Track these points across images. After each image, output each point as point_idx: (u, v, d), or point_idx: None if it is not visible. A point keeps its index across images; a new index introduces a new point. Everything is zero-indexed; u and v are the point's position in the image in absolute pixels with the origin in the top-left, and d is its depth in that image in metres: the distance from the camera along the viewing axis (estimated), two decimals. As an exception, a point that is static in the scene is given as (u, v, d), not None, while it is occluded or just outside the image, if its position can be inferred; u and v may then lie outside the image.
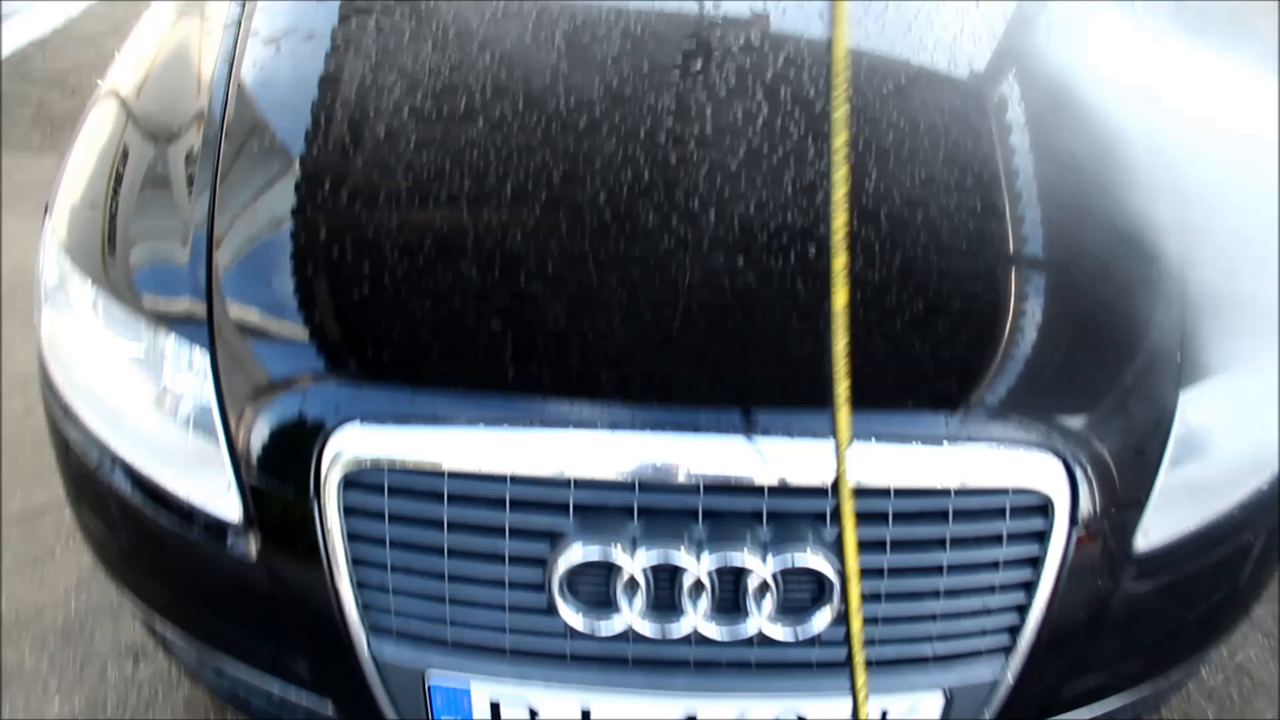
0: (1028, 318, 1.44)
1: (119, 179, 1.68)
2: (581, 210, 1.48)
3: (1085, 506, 1.34)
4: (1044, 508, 1.33)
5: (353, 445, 1.31)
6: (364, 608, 1.38)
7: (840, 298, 1.17)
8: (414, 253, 1.44)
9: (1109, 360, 1.44)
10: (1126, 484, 1.39)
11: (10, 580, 2.32)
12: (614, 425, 1.30)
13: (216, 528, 1.44)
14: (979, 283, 1.49)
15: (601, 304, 1.40)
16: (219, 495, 1.42)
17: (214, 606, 1.57)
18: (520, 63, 1.72)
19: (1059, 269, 1.54)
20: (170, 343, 1.46)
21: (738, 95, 1.64)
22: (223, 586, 1.50)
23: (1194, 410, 1.43)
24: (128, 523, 1.55)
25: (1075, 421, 1.37)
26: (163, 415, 1.47)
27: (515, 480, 1.30)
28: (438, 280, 1.42)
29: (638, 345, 1.38)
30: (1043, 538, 1.34)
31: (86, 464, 1.55)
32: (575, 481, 1.29)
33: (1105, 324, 1.48)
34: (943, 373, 1.39)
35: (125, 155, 1.72)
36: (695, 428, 1.30)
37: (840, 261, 1.17)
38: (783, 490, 1.30)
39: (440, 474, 1.30)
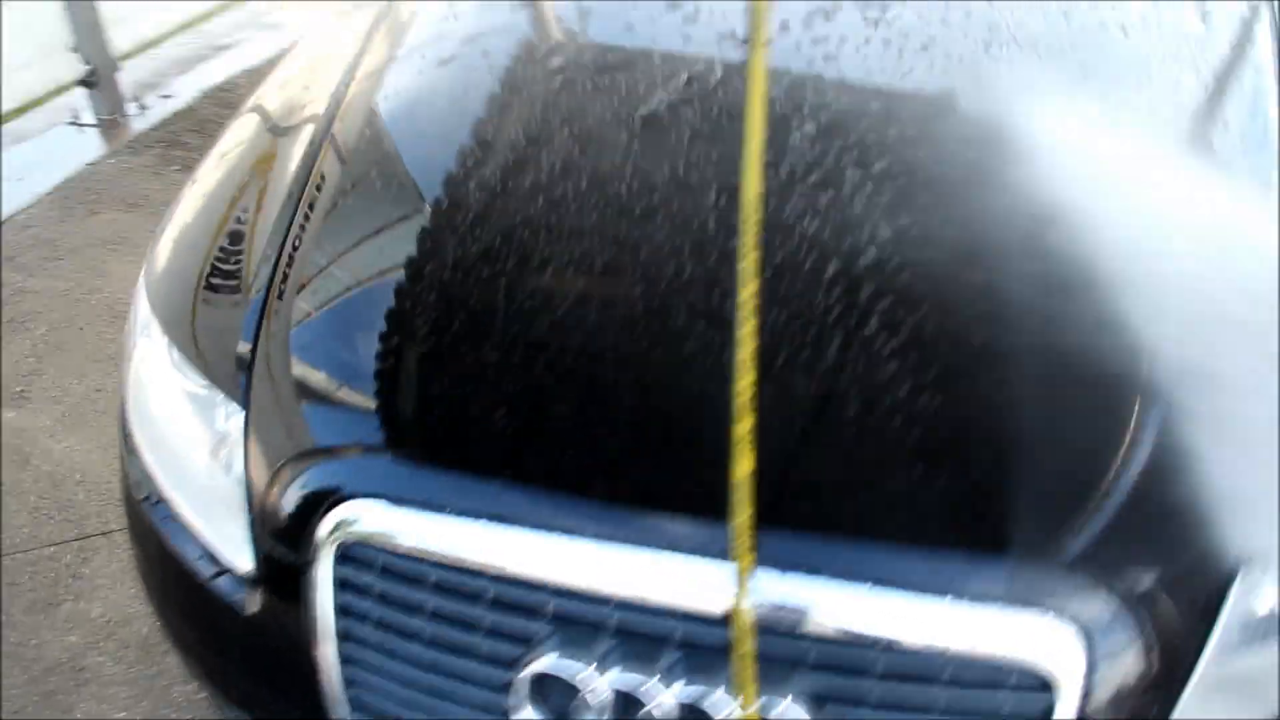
0: (1056, 460, 1.30)
1: (218, 221, 1.74)
2: (613, 314, 1.45)
3: (1102, 688, 1.21)
4: (1048, 685, 1.20)
5: (350, 520, 1.31)
6: (348, 683, 1.37)
7: (744, 467, 1.05)
8: (436, 339, 1.44)
9: (1151, 519, 1.28)
10: (1157, 666, 1.24)
11: (113, 586, 2.43)
12: (598, 536, 1.25)
13: (229, 577, 1.47)
14: (998, 416, 1.35)
15: (611, 413, 1.37)
16: (234, 546, 1.45)
17: (222, 654, 1.59)
18: (552, 142, 1.69)
19: (1102, 407, 1.37)
20: (215, 394, 1.50)
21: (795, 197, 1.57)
22: (230, 636, 1.52)
23: (1253, 589, 1.27)
24: (162, 559, 1.59)
25: (1101, 587, 1.23)
26: (202, 461, 1.51)
27: (497, 578, 1.27)
28: (452, 367, 1.42)
29: (638, 458, 1.34)
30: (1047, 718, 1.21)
31: (135, 496, 1.61)
32: (552, 588, 1.25)
33: (1152, 475, 1.29)
34: (950, 515, 1.27)
35: (224, 196, 1.79)
36: (675, 546, 1.24)
37: (746, 425, 1.04)
38: (766, 630, 1.21)
39: (427, 561, 1.29)
